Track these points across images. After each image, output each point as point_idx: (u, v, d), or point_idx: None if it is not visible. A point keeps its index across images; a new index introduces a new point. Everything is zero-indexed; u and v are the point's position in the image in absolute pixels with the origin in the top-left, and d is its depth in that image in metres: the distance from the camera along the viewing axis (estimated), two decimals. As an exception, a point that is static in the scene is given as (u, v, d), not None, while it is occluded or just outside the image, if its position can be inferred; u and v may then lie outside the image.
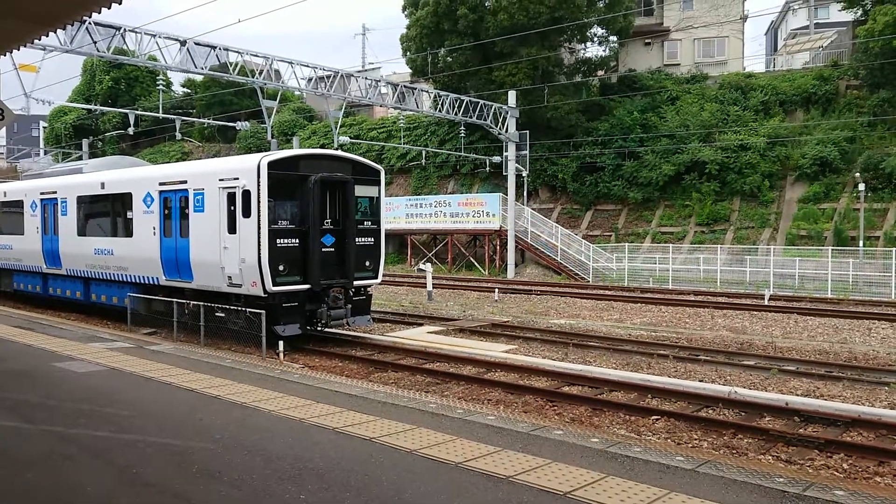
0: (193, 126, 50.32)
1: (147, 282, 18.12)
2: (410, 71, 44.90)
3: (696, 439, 9.62)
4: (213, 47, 24.46)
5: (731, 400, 11.15)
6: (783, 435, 9.52)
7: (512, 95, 36.17)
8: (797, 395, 11.47)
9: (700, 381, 12.48)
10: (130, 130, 34.19)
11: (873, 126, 35.21)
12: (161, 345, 14.65)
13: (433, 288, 26.96)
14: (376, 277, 16.78)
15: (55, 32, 13.16)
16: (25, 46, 11.90)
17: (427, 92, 37.03)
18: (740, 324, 19.99)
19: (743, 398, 11.16)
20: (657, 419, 10.47)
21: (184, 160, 47.82)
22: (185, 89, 61.48)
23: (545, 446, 7.33)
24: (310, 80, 30.35)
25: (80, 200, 20.62)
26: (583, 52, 43.34)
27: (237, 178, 15.28)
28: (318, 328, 15.92)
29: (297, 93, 49.20)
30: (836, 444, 9.16)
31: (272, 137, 32.52)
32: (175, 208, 17.12)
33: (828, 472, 8.32)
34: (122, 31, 21.86)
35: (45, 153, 60.73)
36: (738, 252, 33.14)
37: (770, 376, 12.86)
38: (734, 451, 9.04)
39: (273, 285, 14.67)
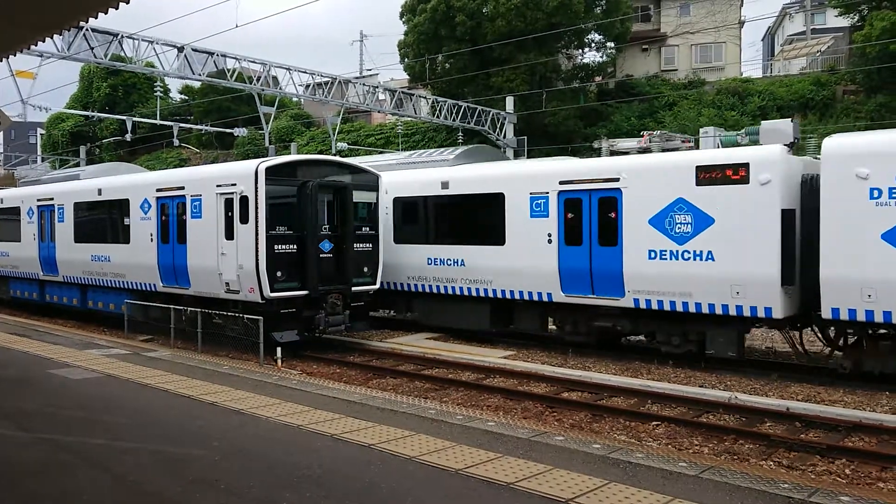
0: (191, 132, 50.24)
1: (144, 288, 18.04)
2: (408, 77, 44.86)
3: (697, 445, 9.56)
4: (211, 53, 24.42)
5: (732, 405, 11.10)
6: (784, 440, 9.47)
7: (510, 101, 36.15)
8: (798, 400, 11.41)
9: (700, 386, 12.42)
10: (128, 137, 34.13)
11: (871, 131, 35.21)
12: (158, 351, 14.56)
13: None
14: (375, 283, 16.72)
15: (52, 38, 13.13)
16: (22, 52, 11.86)
17: (425, 98, 36.98)
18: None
19: (743, 403, 11.12)
20: (658, 425, 10.41)
21: (181, 167, 47.76)
22: (183, 96, 61.44)
23: (546, 452, 7.27)
24: (307, 86, 30.31)
25: (77, 207, 20.55)
26: (580, 57, 43.37)
27: (235, 184, 15.24)
28: (317, 334, 15.85)
29: (294, 99, 49.18)
30: (838, 449, 9.11)
31: (270, 144, 32.48)
32: (172, 214, 17.06)
33: (830, 477, 8.26)
34: (119, 37, 21.80)
35: (43, 160, 60.60)
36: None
37: (770, 381, 12.79)
38: (736, 457, 8.99)
39: (271, 291, 14.61)
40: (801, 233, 12.43)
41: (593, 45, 42.77)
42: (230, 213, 15.33)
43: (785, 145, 12.72)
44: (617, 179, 14.12)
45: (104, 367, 12.17)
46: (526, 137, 36.81)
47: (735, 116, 38.34)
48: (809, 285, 12.16)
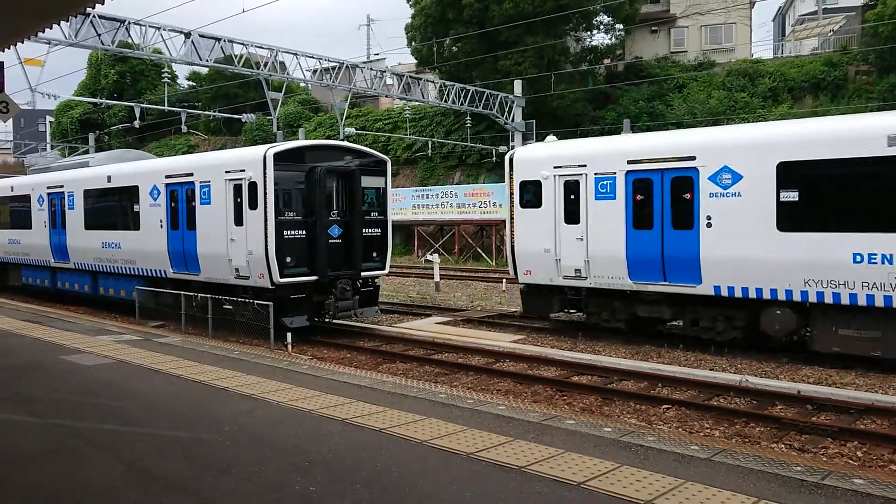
0: (199, 119, 50.29)
1: (154, 275, 18.10)
2: (416, 61, 44.68)
3: (707, 428, 9.54)
4: (218, 39, 24.36)
5: (743, 388, 11.06)
6: (796, 423, 9.42)
7: (518, 84, 35.94)
8: (809, 382, 11.37)
9: (710, 369, 12.39)
10: (136, 124, 34.15)
11: (883, 111, 34.82)
12: (169, 337, 14.63)
13: (440, 279, 26.88)
14: (384, 268, 16.71)
15: (59, 25, 13.11)
16: (29, 39, 11.84)
17: (432, 82, 36.80)
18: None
19: (754, 386, 11.07)
20: (668, 408, 10.38)
21: (190, 153, 47.81)
22: (191, 82, 61.40)
23: (557, 436, 7.26)
24: (315, 71, 30.22)
25: (87, 194, 20.61)
26: (589, 40, 43.01)
27: (243, 170, 15.23)
28: (326, 320, 15.88)
29: (302, 84, 49.11)
30: (850, 432, 9.06)
31: (278, 129, 32.44)
32: (182, 201, 17.09)
33: (842, 460, 8.22)
34: (126, 23, 21.78)
35: (52, 148, 60.81)
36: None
37: (781, 364, 12.74)
38: (747, 440, 8.95)
39: (280, 277, 14.63)
40: None
41: (602, 27, 42.42)
42: (239, 199, 15.34)
43: None
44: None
45: (116, 353, 12.23)
46: (534, 121, 36.63)
47: (745, 98, 38.02)
48: None
